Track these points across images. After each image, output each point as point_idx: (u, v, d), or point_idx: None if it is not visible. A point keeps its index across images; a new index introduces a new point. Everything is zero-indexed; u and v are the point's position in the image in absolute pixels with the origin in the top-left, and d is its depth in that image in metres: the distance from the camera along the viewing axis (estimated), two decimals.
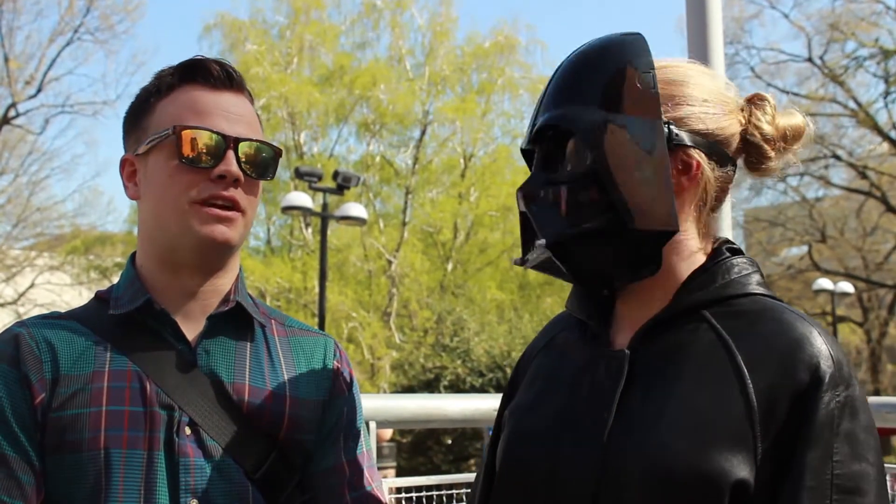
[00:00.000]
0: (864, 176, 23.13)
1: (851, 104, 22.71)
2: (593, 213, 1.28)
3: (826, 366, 1.17)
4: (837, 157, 23.11)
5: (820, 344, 1.19)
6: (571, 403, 1.31)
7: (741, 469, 1.14)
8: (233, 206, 1.46)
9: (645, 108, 1.28)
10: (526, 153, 1.44)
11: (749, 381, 1.18)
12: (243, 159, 1.48)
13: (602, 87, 1.30)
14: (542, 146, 1.36)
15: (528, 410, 1.38)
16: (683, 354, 1.25)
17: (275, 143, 1.55)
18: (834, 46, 22.81)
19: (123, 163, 1.55)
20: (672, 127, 1.29)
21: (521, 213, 1.38)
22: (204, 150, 1.45)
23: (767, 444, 1.15)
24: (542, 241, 1.30)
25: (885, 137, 22.24)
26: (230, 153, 1.46)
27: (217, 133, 1.46)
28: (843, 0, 22.24)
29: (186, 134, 1.45)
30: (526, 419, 1.37)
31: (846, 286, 22.59)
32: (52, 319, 1.49)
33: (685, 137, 1.30)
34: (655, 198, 1.26)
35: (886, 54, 21.41)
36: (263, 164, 1.51)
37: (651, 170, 1.26)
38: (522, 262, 1.39)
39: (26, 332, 1.44)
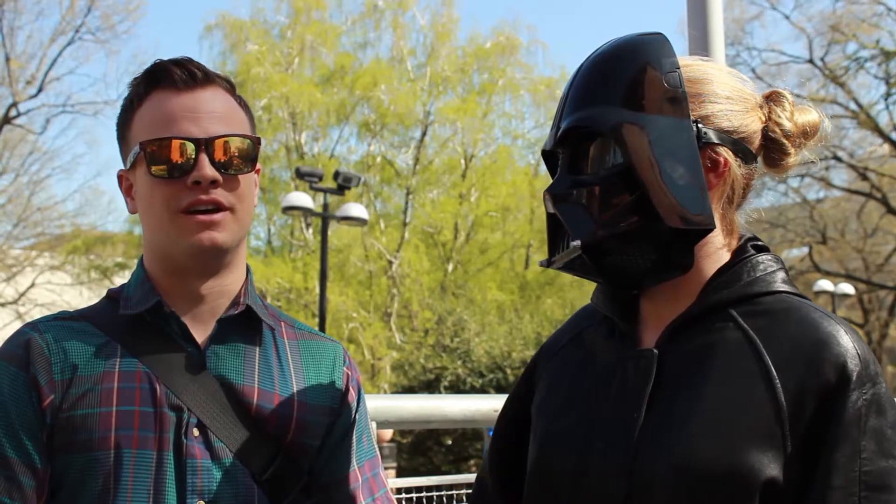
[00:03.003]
0: (864, 177, 23.11)
1: (852, 105, 22.69)
2: (627, 214, 1.28)
3: (853, 364, 1.19)
4: (838, 159, 23.08)
5: (846, 342, 1.21)
6: (600, 404, 1.32)
7: (771, 468, 1.16)
8: (217, 207, 1.44)
9: (674, 107, 1.29)
10: (547, 156, 1.44)
11: (777, 381, 1.20)
12: (218, 158, 1.44)
13: (629, 87, 1.30)
14: (567, 148, 1.36)
15: (558, 411, 1.38)
16: (711, 354, 1.26)
17: (250, 134, 1.51)
18: (835, 48, 22.81)
19: (120, 179, 1.55)
20: (700, 125, 1.30)
21: (550, 215, 1.39)
22: (174, 161, 1.42)
23: (796, 443, 1.17)
24: (577, 243, 1.30)
25: (886, 139, 22.22)
26: (202, 157, 1.43)
27: (185, 139, 1.43)
28: (843, 1, 22.24)
29: (153, 148, 1.43)
30: (555, 421, 1.37)
31: (847, 287, 22.57)
32: (63, 320, 1.49)
33: (712, 135, 1.31)
34: (691, 197, 1.27)
35: (887, 56, 21.39)
36: (241, 158, 1.47)
37: (685, 169, 1.27)
38: (549, 263, 1.39)
39: (37, 334, 1.45)
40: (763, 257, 1.34)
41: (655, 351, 1.30)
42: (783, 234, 25.28)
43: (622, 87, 1.31)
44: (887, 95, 21.92)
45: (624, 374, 1.32)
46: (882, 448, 1.16)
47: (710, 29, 2.77)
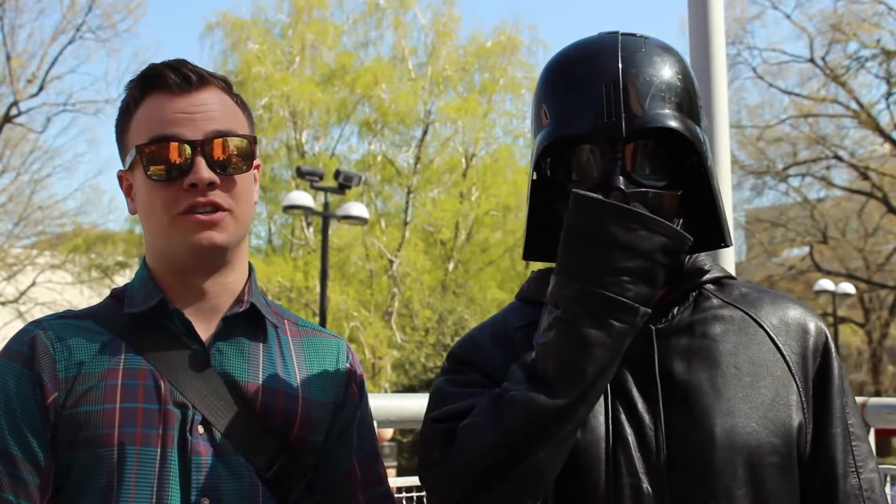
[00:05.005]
0: (865, 177, 23.10)
1: (853, 105, 22.69)
2: (694, 225, 1.38)
3: (829, 335, 1.40)
4: (839, 158, 23.08)
5: (816, 317, 1.42)
6: (612, 388, 1.33)
7: (798, 415, 1.33)
8: (215, 208, 1.45)
9: (703, 124, 1.40)
10: (555, 142, 1.36)
11: (780, 343, 1.36)
12: (216, 158, 1.45)
13: (694, 103, 1.37)
14: (629, 143, 1.33)
15: None
16: (710, 326, 1.37)
17: (246, 133, 1.50)
18: (836, 47, 22.80)
19: (120, 179, 1.56)
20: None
21: (532, 210, 1.41)
22: (170, 163, 1.43)
23: (807, 396, 1.35)
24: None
25: (887, 138, 22.22)
26: (199, 159, 1.43)
27: (181, 141, 1.43)
28: (845, 1, 22.23)
29: (149, 152, 1.44)
30: None
31: (847, 287, 22.57)
32: (68, 318, 1.50)
33: None
34: (725, 212, 1.41)
35: (888, 55, 21.38)
36: (238, 157, 1.47)
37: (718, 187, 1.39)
38: None
39: (42, 332, 1.45)
40: (704, 253, 1.45)
41: (652, 327, 1.35)
42: (784, 233, 25.28)
43: (692, 102, 1.36)
44: (888, 95, 21.92)
45: (624, 355, 1.31)
46: (853, 404, 1.39)
47: (711, 28, 2.77)
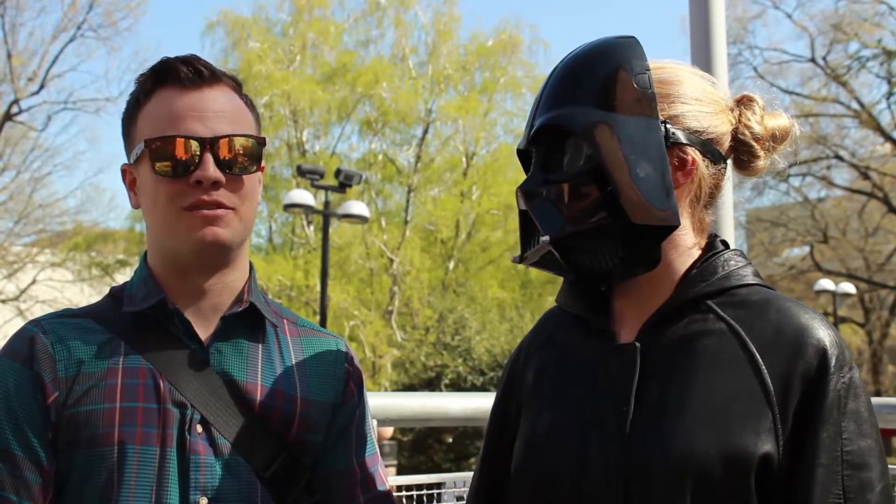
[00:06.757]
0: (866, 177, 23.08)
1: (854, 105, 22.66)
2: (595, 211, 1.31)
3: (833, 350, 1.26)
4: (840, 158, 23.06)
5: (824, 330, 1.28)
6: (588, 402, 1.34)
7: (765, 445, 1.22)
8: (219, 206, 1.45)
9: (642, 107, 1.32)
10: (522, 154, 1.47)
11: (763, 366, 1.26)
12: (223, 157, 1.44)
13: (601, 88, 1.33)
14: (540, 146, 1.39)
15: (543, 415, 1.39)
16: (695, 344, 1.30)
17: (256, 134, 1.51)
18: (837, 47, 22.77)
19: (124, 173, 1.55)
20: (668, 125, 1.33)
21: (522, 212, 1.42)
22: (178, 159, 1.42)
23: (785, 423, 1.24)
24: (546, 238, 1.33)
25: (888, 138, 22.19)
26: (207, 156, 1.43)
27: (190, 138, 1.43)
28: (846, 1, 22.21)
29: (157, 146, 1.43)
30: (543, 424, 1.38)
31: (848, 287, 22.55)
32: (67, 317, 1.49)
33: (680, 135, 1.34)
34: (657, 194, 1.30)
35: (889, 55, 21.35)
36: (246, 157, 1.47)
37: (652, 167, 1.30)
38: (521, 259, 1.42)
39: (41, 331, 1.45)
40: (731, 253, 1.38)
41: (637, 344, 1.33)
42: (784, 233, 25.26)
43: (594, 88, 1.34)
44: (889, 95, 21.88)
45: (608, 369, 1.34)
46: (861, 429, 1.24)
47: (712, 27, 2.77)
